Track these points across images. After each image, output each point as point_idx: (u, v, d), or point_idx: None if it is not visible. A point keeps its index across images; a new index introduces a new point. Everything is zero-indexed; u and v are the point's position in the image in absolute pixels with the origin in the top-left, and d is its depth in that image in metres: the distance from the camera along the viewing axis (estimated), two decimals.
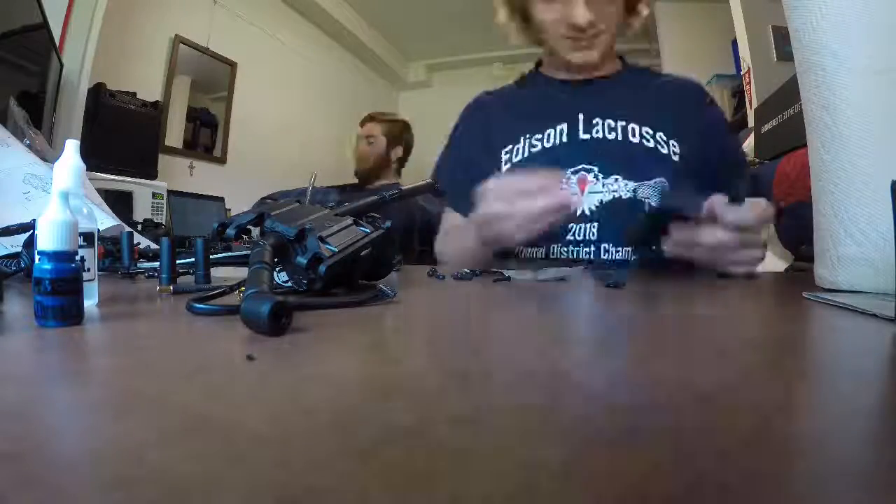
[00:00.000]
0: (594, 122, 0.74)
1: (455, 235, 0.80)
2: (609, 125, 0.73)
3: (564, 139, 0.74)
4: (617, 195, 0.70)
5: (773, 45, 2.16)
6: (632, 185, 0.70)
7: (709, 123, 0.77)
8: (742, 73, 2.31)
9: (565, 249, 0.73)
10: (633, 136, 0.72)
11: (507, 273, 0.58)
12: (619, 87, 0.78)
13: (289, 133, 3.37)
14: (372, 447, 0.13)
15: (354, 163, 2.12)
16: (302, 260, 0.37)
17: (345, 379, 0.19)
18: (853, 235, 0.45)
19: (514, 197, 0.58)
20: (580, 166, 0.71)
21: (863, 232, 0.44)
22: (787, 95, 1.21)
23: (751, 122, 2.07)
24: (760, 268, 0.64)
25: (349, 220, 0.45)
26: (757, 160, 1.45)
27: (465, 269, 0.62)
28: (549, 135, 0.75)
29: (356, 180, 2.20)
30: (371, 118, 2.15)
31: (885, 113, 0.43)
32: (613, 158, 0.71)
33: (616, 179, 0.70)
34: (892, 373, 0.22)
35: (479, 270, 0.62)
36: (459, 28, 3.95)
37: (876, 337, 0.28)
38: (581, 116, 0.75)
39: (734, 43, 2.43)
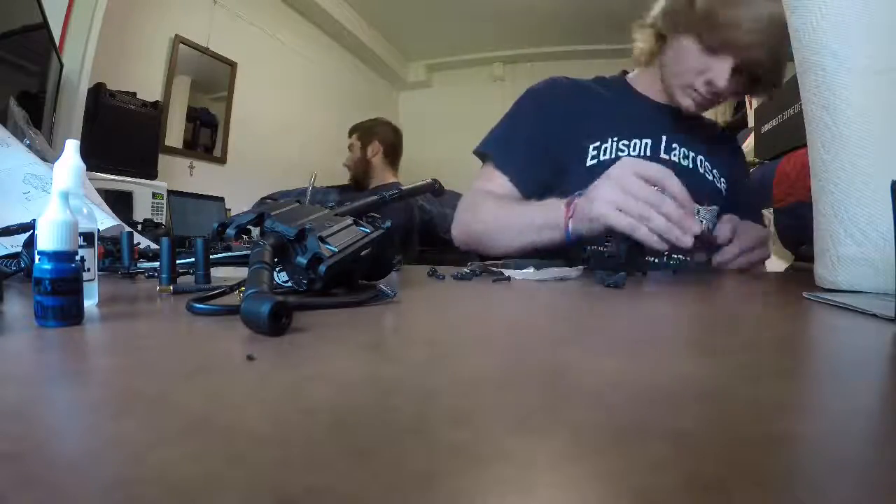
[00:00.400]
0: (673, 146, 0.82)
1: (527, 210, 0.75)
2: (684, 153, 0.82)
3: (648, 153, 0.80)
4: None
5: None
6: (695, 206, 0.76)
7: (740, 172, 0.91)
8: None
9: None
10: (700, 167, 0.82)
11: (506, 273, 0.58)
12: (691, 123, 0.85)
13: (289, 133, 3.37)
14: (372, 447, 0.13)
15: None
16: (302, 260, 0.37)
17: (345, 379, 0.19)
18: (853, 235, 0.45)
19: (649, 198, 0.59)
20: None
21: (863, 232, 0.44)
22: (787, 95, 1.21)
23: (751, 122, 2.07)
24: (760, 268, 0.68)
25: (349, 220, 0.45)
26: (757, 160, 1.45)
27: (465, 270, 0.62)
28: (635, 144, 0.81)
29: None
30: (351, 131, 2.20)
31: (885, 113, 0.43)
32: (684, 182, 0.76)
33: None
34: (892, 373, 0.22)
35: (480, 270, 0.62)
36: (459, 28, 3.95)
37: (876, 337, 0.28)
38: (664, 138, 0.82)
39: None
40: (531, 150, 0.82)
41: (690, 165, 0.81)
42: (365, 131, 2.13)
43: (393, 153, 2.13)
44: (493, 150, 0.84)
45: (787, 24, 0.50)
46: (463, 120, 4.11)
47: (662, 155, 0.80)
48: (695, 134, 0.83)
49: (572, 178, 0.77)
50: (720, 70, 0.73)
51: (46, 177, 0.70)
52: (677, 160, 0.80)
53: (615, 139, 0.80)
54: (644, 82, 0.87)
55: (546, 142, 0.82)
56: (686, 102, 0.79)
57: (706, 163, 0.82)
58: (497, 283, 0.55)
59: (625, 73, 0.92)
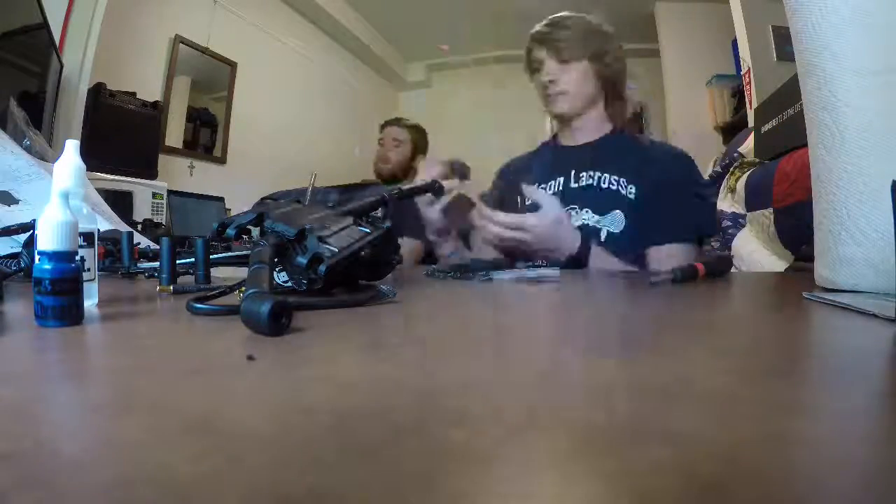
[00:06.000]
0: (581, 175, 1.00)
1: None
2: (589, 174, 0.99)
3: (561, 188, 1.00)
4: (585, 222, 0.96)
5: (773, 45, 2.16)
6: (596, 216, 0.97)
7: (669, 173, 0.99)
8: (742, 73, 2.31)
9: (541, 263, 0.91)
10: (604, 182, 0.98)
11: (490, 273, 0.59)
12: (603, 148, 1.03)
13: (289, 133, 3.37)
14: (372, 447, 0.13)
15: (374, 163, 2.08)
16: (302, 260, 0.37)
17: (345, 379, 0.19)
18: (853, 235, 0.45)
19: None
20: (569, 207, 0.97)
21: (863, 232, 0.44)
22: (787, 95, 1.21)
23: (751, 122, 2.07)
24: (760, 268, 0.67)
25: (349, 220, 0.45)
26: (757, 160, 1.45)
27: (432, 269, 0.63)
28: (551, 185, 1.01)
29: (357, 180, 2.20)
30: (396, 121, 2.12)
31: (886, 114, 0.43)
32: (588, 198, 0.97)
33: (587, 212, 0.97)
34: (892, 373, 0.22)
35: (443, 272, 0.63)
36: (459, 28, 3.95)
37: (876, 337, 0.28)
38: (573, 172, 1.00)
39: (734, 43, 2.43)
40: None
41: (595, 184, 0.98)
42: (417, 136, 2.06)
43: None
44: None
45: (789, 27, 0.50)
46: (463, 120, 4.11)
47: (572, 185, 0.99)
48: (603, 158, 1.00)
49: None
50: (543, 70, 1.00)
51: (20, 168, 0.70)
52: (584, 184, 0.99)
53: (538, 186, 1.00)
54: (565, 136, 1.08)
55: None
56: (549, 107, 1.02)
57: (612, 178, 0.98)
58: (493, 284, 0.55)
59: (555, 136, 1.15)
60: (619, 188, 0.97)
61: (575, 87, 1.00)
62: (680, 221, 0.96)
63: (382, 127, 2.12)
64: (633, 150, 1.04)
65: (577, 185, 1.01)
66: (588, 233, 0.93)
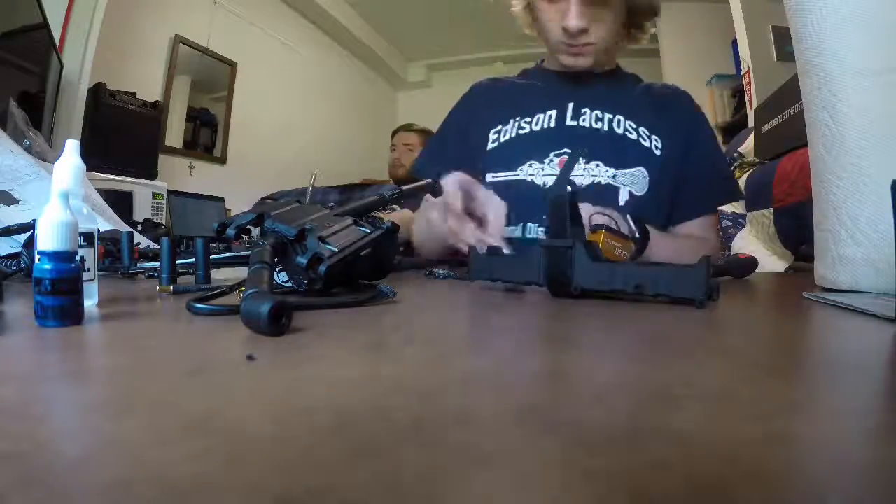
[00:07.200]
0: (582, 111, 0.78)
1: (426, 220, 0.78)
2: (597, 115, 0.77)
3: (552, 124, 0.78)
4: (596, 180, 0.73)
5: (773, 45, 2.16)
6: (612, 171, 0.73)
7: (694, 130, 0.80)
8: (742, 73, 2.31)
9: (541, 229, 0.75)
10: (618, 127, 0.76)
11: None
12: (610, 83, 0.82)
13: (289, 133, 3.37)
14: (372, 447, 0.13)
15: (389, 169, 2.12)
16: (302, 260, 0.37)
17: (345, 379, 0.19)
18: (853, 235, 0.45)
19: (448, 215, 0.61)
20: (564, 150, 0.74)
21: (863, 232, 0.44)
22: (787, 95, 1.21)
23: (751, 122, 2.07)
24: (760, 268, 0.66)
25: (349, 220, 0.45)
26: (757, 160, 1.45)
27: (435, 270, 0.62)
28: (538, 119, 0.79)
29: (356, 181, 2.22)
30: (406, 128, 2.14)
31: (886, 114, 0.43)
32: (597, 146, 0.75)
33: (597, 165, 0.74)
34: (891, 373, 0.22)
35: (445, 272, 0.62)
36: (459, 28, 3.95)
37: (876, 337, 0.28)
38: (571, 104, 0.78)
39: (734, 43, 2.44)
40: (459, 151, 0.84)
41: (605, 128, 0.76)
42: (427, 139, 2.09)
43: None
44: (426, 165, 0.86)
45: (789, 27, 0.50)
46: None
47: (570, 122, 0.77)
48: (614, 94, 0.79)
49: (479, 165, 0.79)
50: (569, 13, 0.70)
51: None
52: (588, 124, 0.76)
53: (516, 119, 0.80)
54: (553, 60, 0.84)
55: (468, 140, 0.84)
56: (568, 60, 0.76)
57: (628, 123, 0.76)
58: (493, 284, 0.54)
59: (542, 61, 0.91)
60: (640, 139, 0.75)
61: (606, 37, 0.74)
62: (713, 189, 0.78)
63: (394, 133, 2.14)
64: (650, 94, 0.82)
65: (575, 122, 0.77)
66: (597, 192, 0.70)
